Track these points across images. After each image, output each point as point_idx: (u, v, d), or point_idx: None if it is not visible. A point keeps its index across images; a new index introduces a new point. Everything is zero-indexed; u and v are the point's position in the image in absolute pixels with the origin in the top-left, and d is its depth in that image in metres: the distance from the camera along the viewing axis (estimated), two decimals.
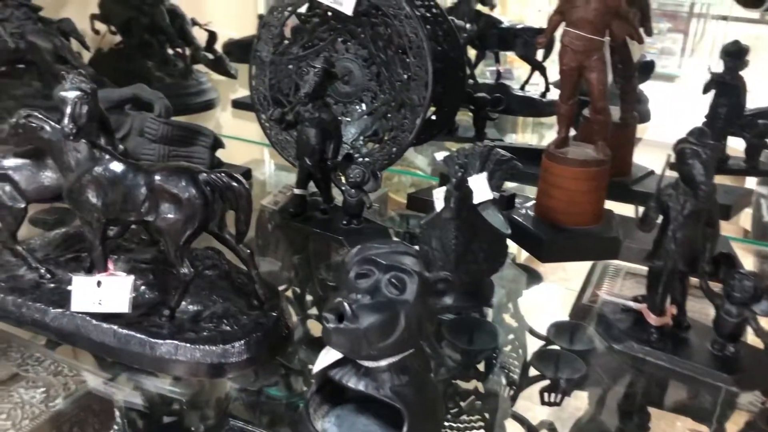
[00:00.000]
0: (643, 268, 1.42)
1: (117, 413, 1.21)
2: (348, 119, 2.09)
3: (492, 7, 2.92)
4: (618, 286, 1.70)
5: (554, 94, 2.85)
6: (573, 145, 1.76)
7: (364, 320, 0.96)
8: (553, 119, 2.91)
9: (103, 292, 1.27)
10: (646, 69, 2.48)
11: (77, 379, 1.28)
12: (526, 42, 2.79)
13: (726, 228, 1.68)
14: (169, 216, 1.21)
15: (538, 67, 2.85)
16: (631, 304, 1.42)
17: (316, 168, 1.76)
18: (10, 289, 1.38)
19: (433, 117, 2.27)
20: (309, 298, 1.67)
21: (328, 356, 1.04)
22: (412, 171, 2.47)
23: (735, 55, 2.09)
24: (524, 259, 1.82)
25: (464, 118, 2.59)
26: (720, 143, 2.11)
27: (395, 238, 1.90)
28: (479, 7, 2.90)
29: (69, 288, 1.34)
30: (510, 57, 3.38)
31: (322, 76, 1.69)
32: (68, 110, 1.18)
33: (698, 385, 1.30)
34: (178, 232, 1.21)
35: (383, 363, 1.00)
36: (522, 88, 2.95)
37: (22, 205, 1.40)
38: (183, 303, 1.30)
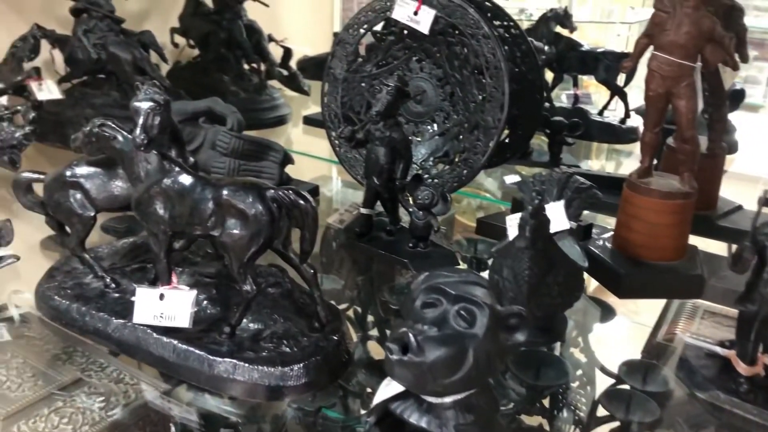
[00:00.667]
0: (724, 308, 1.32)
1: (173, 428, 1.19)
2: (418, 139, 2.04)
3: (572, 29, 2.84)
4: (695, 326, 1.58)
5: (634, 121, 2.75)
6: (656, 175, 1.66)
7: (430, 354, 0.90)
8: (630, 147, 2.84)
9: (166, 305, 1.26)
10: (737, 98, 2.34)
11: (137, 388, 1.27)
12: (607, 66, 2.71)
13: None
14: (235, 231, 1.18)
15: (618, 92, 2.74)
16: (718, 349, 1.31)
17: (384, 188, 1.72)
18: (75, 296, 1.39)
19: (507, 140, 2.20)
20: (370, 319, 1.62)
21: (390, 388, 0.98)
22: (481, 194, 2.41)
23: None
24: (592, 291, 1.73)
25: (537, 141, 2.51)
26: None
27: (461, 263, 1.84)
28: (559, 29, 2.82)
29: (133, 299, 1.33)
30: (586, 81, 3.29)
31: (395, 95, 1.65)
32: (141, 120, 1.17)
33: None
34: (242, 248, 1.19)
35: (448, 400, 0.94)
36: (600, 113, 2.86)
37: (92, 214, 1.41)
38: (243, 321, 1.28)
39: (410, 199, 1.74)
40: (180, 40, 2.96)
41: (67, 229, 1.45)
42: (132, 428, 1.18)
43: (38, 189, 1.50)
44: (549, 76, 2.82)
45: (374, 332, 1.55)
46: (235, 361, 1.20)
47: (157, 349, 1.26)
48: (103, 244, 1.61)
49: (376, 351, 1.44)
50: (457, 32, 1.89)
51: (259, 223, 1.17)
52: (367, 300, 1.72)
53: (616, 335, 1.65)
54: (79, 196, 1.40)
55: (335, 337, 1.28)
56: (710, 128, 1.92)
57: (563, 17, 2.80)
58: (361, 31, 2.02)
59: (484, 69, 1.83)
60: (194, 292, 1.27)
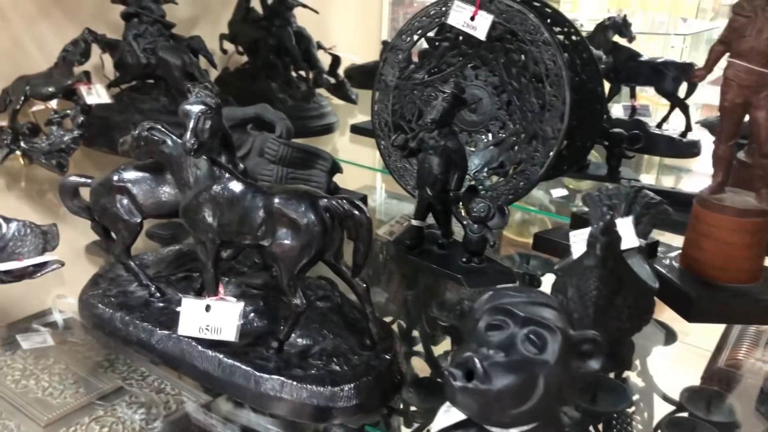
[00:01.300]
0: None
1: None
2: (472, 149, 1.97)
3: (631, 39, 2.73)
4: (759, 352, 1.48)
5: (695, 134, 2.64)
6: (729, 191, 1.55)
7: (498, 381, 0.83)
8: (689, 162, 2.71)
9: (212, 317, 1.21)
10: None
11: (178, 399, 1.23)
12: (668, 77, 2.59)
13: None
14: (286, 242, 1.12)
15: (679, 104, 2.63)
16: None
17: (437, 199, 1.65)
18: (119, 305, 1.35)
19: (563, 151, 2.10)
20: (415, 333, 1.56)
21: (449, 416, 0.91)
22: (534, 207, 2.32)
23: None
24: None
25: (592, 153, 2.41)
26: None
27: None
28: (616, 38, 2.72)
29: (178, 309, 1.29)
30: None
31: (451, 102, 1.58)
32: (191, 124, 1.12)
33: None
34: (293, 259, 1.13)
35: (514, 431, 0.86)
36: (659, 126, 2.74)
37: (138, 220, 1.36)
38: (291, 335, 1.21)
39: (463, 211, 1.67)
40: (229, 46, 2.95)
41: (113, 235, 1.42)
42: None
43: (84, 193, 1.46)
44: (605, 86, 2.71)
45: (420, 347, 1.49)
46: (282, 378, 1.14)
47: (202, 362, 1.21)
48: (148, 252, 1.57)
49: (420, 368, 1.39)
50: (515, 38, 1.81)
51: (311, 233, 1.11)
52: (413, 315, 1.65)
53: (670, 358, 1.54)
54: (125, 201, 1.36)
55: (388, 357, 1.21)
56: None
57: (622, 26, 2.69)
58: (415, 37, 1.95)
59: (544, 77, 1.75)
60: (241, 304, 1.21)
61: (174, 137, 1.22)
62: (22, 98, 2.23)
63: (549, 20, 1.94)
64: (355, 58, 3.27)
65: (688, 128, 2.64)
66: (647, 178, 2.72)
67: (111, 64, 2.48)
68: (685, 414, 1.24)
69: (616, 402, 1.27)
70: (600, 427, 1.24)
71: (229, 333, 1.19)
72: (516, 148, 1.87)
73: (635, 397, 1.33)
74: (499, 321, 0.92)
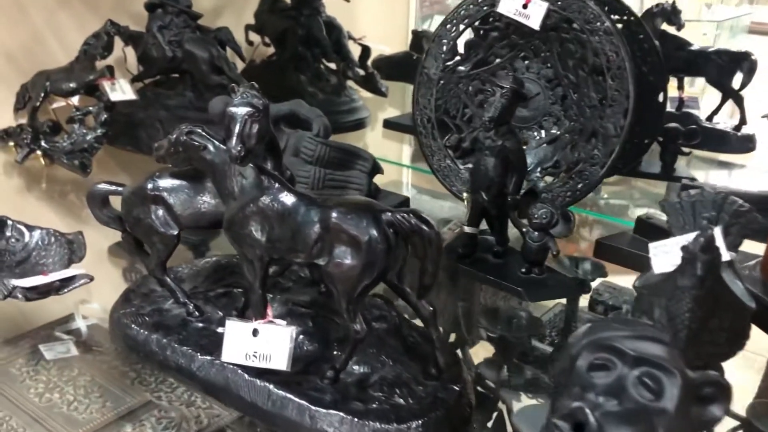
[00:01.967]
0: None
1: None
2: (523, 147, 1.83)
3: (680, 27, 2.57)
4: None
5: (751, 128, 2.49)
6: None
7: None
8: (743, 157, 2.55)
9: (260, 342, 1.08)
10: None
11: (210, 413, 1.14)
12: (720, 67, 2.44)
13: None
14: (345, 261, 1.00)
15: (733, 95, 2.47)
16: None
17: (493, 204, 1.52)
18: (154, 325, 1.23)
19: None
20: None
21: None
22: (578, 208, 2.18)
23: None
24: None
25: None
26: None
27: None
28: (664, 26, 2.56)
29: (219, 330, 1.18)
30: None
31: (510, 98, 1.44)
32: (237, 129, 1.00)
33: None
34: (353, 280, 1.00)
35: None
36: (709, 119, 2.58)
37: (175, 232, 1.24)
38: None
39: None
40: (255, 37, 2.81)
41: (146, 247, 1.30)
42: None
43: (114, 202, 1.34)
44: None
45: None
46: (341, 413, 1.02)
47: (249, 393, 1.09)
48: (183, 264, 1.44)
49: None
50: (572, 27, 1.67)
51: (374, 251, 0.99)
52: (466, 329, 1.53)
53: (734, 368, 1.42)
54: (161, 212, 1.23)
55: (456, 387, 1.08)
56: None
57: (671, 13, 2.53)
58: (461, 27, 1.81)
59: (605, 69, 1.61)
60: (293, 328, 1.09)
61: (216, 142, 1.10)
62: (42, 94, 2.12)
63: (606, 8, 1.80)
64: (385, 48, 3.12)
65: (743, 121, 2.48)
66: (700, 177, 2.56)
67: (134, 58, 2.36)
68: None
69: None
70: None
71: (279, 361, 1.07)
72: (573, 146, 1.73)
73: None
74: (603, 360, 0.80)
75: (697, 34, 4.05)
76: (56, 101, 2.16)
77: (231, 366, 1.11)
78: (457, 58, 1.88)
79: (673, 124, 2.13)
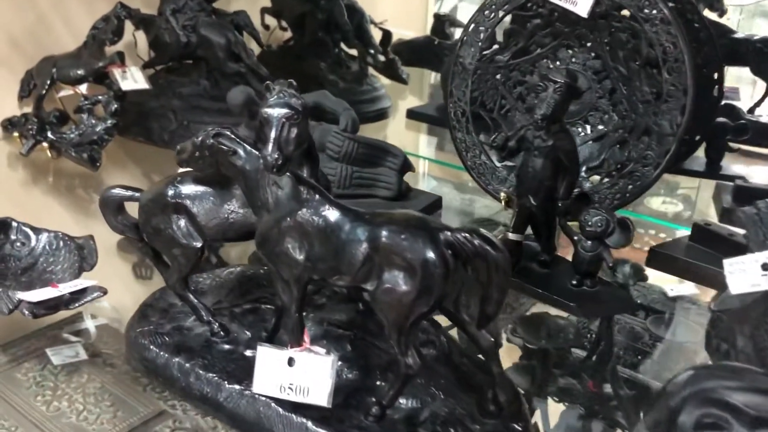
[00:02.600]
0: None
1: None
2: None
3: (722, 13, 2.42)
4: None
5: None
6: None
7: None
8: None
9: (296, 373, 0.96)
10: None
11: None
12: (765, 55, 2.29)
13: None
14: (398, 287, 0.87)
15: None
16: None
17: (541, 209, 1.40)
18: (176, 347, 1.11)
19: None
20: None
21: None
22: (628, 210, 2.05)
23: None
24: None
25: None
26: None
27: None
28: (706, 12, 2.41)
29: (247, 353, 1.08)
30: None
31: (564, 94, 1.32)
32: (273, 134, 0.87)
33: None
34: (406, 309, 0.88)
35: None
36: (751, 111, 2.44)
37: (199, 245, 1.11)
38: None
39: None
40: (270, 21, 2.67)
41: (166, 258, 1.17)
42: None
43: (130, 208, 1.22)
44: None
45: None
46: None
47: (284, 430, 0.97)
48: (204, 273, 1.32)
49: None
50: (624, 15, 1.53)
51: (430, 277, 0.87)
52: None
53: None
54: (183, 222, 1.10)
55: (518, 427, 0.96)
56: None
57: None
58: (501, 13, 1.68)
59: (661, 61, 1.47)
60: (333, 357, 0.96)
61: (247, 147, 0.97)
62: (48, 82, 2.01)
63: None
64: (409, 33, 2.97)
65: None
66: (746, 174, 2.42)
67: (145, 43, 2.24)
68: None
69: None
70: None
71: (319, 396, 0.95)
72: (623, 144, 1.60)
73: None
74: (714, 418, 0.67)
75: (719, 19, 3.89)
76: (63, 89, 2.05)
77: (263, 398, 0.99)
78: (495, 46, 1.74)
79: (721, 119, 1.99)
